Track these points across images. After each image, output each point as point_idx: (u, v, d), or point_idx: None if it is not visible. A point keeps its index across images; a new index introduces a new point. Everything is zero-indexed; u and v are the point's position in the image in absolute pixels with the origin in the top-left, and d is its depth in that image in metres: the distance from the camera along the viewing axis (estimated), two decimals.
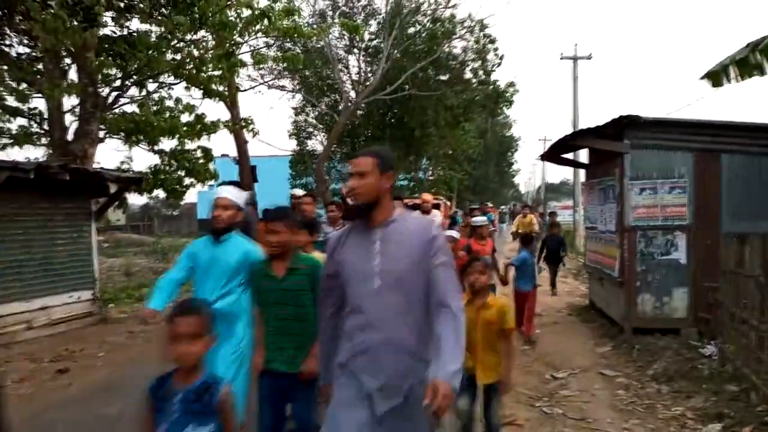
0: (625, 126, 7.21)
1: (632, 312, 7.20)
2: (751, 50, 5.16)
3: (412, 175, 25.49)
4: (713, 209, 7.12)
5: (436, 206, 11.01)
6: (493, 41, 19.02)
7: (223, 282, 3.63)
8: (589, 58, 22.92)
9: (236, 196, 3.80)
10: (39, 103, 9.49)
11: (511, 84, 20.30)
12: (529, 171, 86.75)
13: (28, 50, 8.83)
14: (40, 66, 9.29)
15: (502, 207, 41.79)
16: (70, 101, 9.53)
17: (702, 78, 5.90)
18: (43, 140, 10.12)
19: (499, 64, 19.48)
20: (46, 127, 9.63)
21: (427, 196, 9.41)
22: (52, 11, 6.97)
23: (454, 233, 6.90)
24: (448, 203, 13.71)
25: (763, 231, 6.26)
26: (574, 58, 22.77)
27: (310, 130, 23.00)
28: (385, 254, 2.32)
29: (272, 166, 26.07)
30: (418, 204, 9.98)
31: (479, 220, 7.91)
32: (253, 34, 9.78)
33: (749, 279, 5.32)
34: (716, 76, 5.73)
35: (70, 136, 9.24)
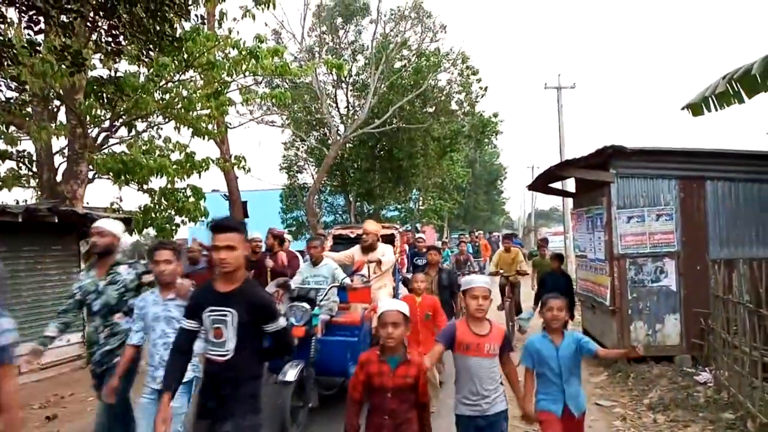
0: (610, 155, 7.32)
1: (626, 340, 7.19)
2: (728, 81, 5.30)
3: (402, 205, 25.63)
4: (700, 235, 7.19)
5: (389, 238, 7.89)
6: (475, 73, 19.45)
7: None
8: (572, 87, 23.34)
9: None
10: (28, 145, 9.48)
11: (496, 114, 20.77)
12: (519, 198, 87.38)
13: (16, 94, 8.86)
14: (29, 109, 9.34)
15: (495, 233, 39.10)
16: (58, 143, 9.57)
17: (683, 108, 6.04)
18: (32, 182, 10.11)
19: (483, 95, 19.91)
20: (34, 168, 9.63)
21: (371, 226, 6.66)
22: (41, 56, 7.03)
23: (401, 307, 3.17)
24: (411, 232, 10.46)
25: (750, 256, 6.34)
26: (558, 88, 23.17)
27: (301, 164, 23.16)
28: None
29: (263, 200, 26.10)
30: (358, 235, 7.17)
31: (475, 281, 3.48)
32: (241, 73, 9.89)
33: (738, 305, 5.36)
34: (696, 106, 5.88)
35: (58, 178, 9.23)
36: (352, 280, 6.01)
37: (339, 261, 6.40)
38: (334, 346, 5.63)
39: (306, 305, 5.31)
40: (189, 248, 7.76)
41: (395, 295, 6.77)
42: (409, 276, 6.64)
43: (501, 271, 9.87)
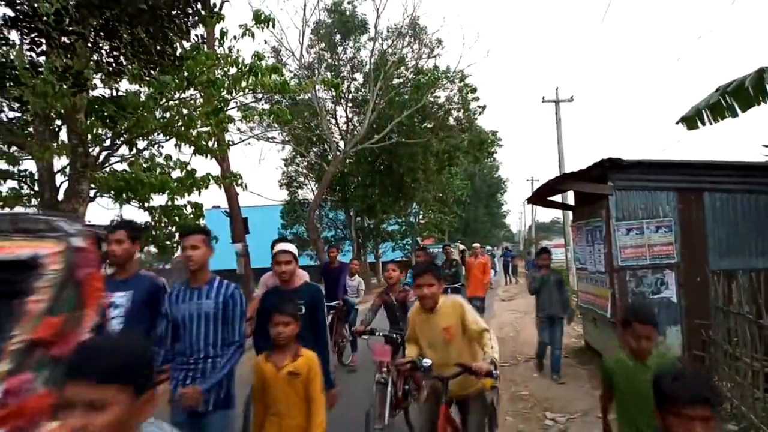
0: (608, 168, 7.36)
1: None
2: (721, 94, 5.36)
3: (403, 219, 25.68)
4: (700, 247, 7.21)
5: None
6: (473, 90, 19.62)
7: None
8: (570, 100, 23.43)
9: None
10: (29, 165, 9.53)
11: (494, 132, 20.96)
12: (519, 211, 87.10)
13: (18, 114, 8.94)
14: (31, 129, 9.40)
15: (490, 247, 36.66)
16: (60, 162, 9.61)
17: (678, 122, 6.09)
18: (34, 201, 10.13)
19: (481, 113, 20.10)
20: (36, 188, 9.67)
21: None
22: (42, 76, 7.10)
23: None
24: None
25: (749, 267, 6.36)
26: (556, 101, 23.27)
27: (301, 179, 23.27)
28: None
29: (263, 216, 26.15)
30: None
31: None
32: (241, 90, 9.96)
33: (739, 316, 5.36)
34: (691, 120, 5.93)
35: (60, 196, 9.27)
36: None
37: None
38: None
39: None
40: None
41: None
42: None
43: (425, 364, 3.65)
